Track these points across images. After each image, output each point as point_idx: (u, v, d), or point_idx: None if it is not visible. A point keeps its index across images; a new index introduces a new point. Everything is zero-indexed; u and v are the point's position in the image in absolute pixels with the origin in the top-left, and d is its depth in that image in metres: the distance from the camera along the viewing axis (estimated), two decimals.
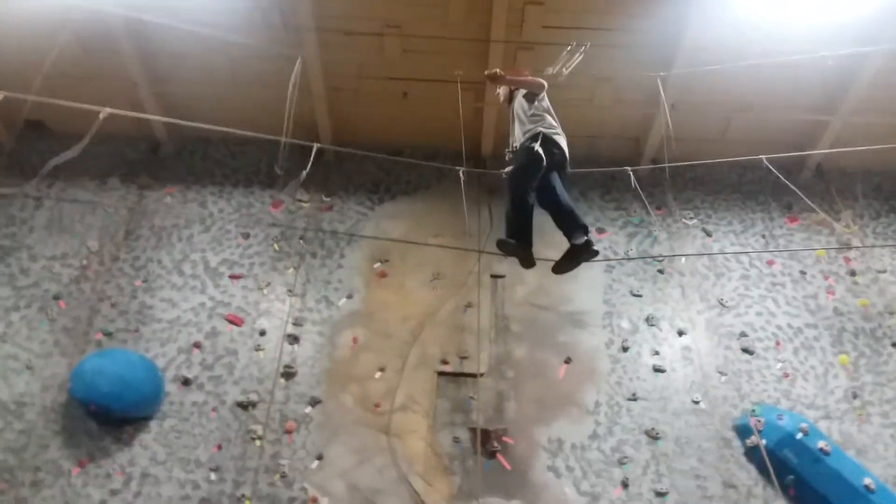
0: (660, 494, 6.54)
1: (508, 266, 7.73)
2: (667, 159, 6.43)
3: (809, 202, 6.67)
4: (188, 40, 6.95)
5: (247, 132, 6.55)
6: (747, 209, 8.40)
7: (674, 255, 7.90)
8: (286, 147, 6.28)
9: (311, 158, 6.02)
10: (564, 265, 5.02)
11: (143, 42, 7.62)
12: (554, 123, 5.19)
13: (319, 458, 6.62)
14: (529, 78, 5.32)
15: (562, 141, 5.13)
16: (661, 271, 7.86)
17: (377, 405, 6.90)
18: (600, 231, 8.15)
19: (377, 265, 7.78)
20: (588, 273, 7.78)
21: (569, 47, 5.84)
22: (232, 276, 7.65)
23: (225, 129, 6.48)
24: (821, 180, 8.61)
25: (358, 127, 8.41)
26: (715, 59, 6.88)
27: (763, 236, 8.17)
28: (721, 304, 7.66)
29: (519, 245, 4.99)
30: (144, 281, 7.56)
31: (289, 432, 6.75)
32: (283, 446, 6.68)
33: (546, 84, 5.29)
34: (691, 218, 8.30)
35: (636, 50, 7.37)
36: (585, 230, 4.90)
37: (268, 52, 7.06)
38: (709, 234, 8.18)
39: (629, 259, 7.91)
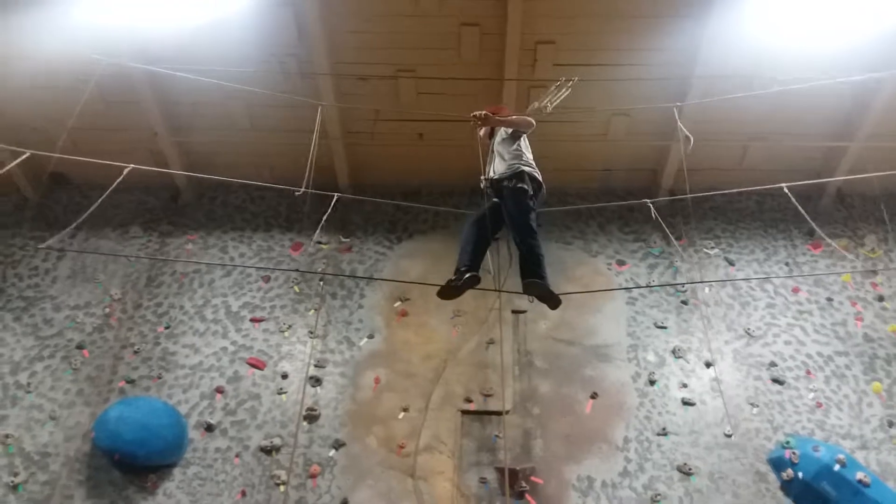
0: None
1: (529, 302, 7.70)
2: (687, 195, 6.40)
3: (821, 233, 6.54)
4: (207, 90, 7.09)
5: (266, 183, 6.67)
6: (769, 237, 8.32)
7: (691, 282, 7.80)
8: (308, 194, 6.35)
9: (331, 207, 6.06)
10: (449, 291, 5.01)
11: (163, 93, 7.80)
12: (531, 159, 5.33)
13: (344, 502, 6.50)
14: (517, 117, 5.42)
15: (537, 174, 5.24)
16: (684, 302, 7.77)
17: (401, 446, 6.81)
18: (620, 263, 8.10)
19: (398, 304, 7.75)
20: (611, 305, 7.72)
21: (557, 82, 5.87)
22: (253, 320, 7.65)
23: (245, 181, 6.61)
24: (842, 206, 8.53)
25: (375, 168, 8.50)
26: (728, 89, 6.90)
27: (787, 264, 8.07)
28: (748, 333, 7.53)
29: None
30: (167, 327, 7.59)
31: (313, 476, 6.65)
32: (308, 491, 6.58)
33: (534, 123, 5.40)
34: (712, 248, 8.22)
35: (648, 84, 7.42)
36: (476, 262, 5.04)
37: (285, 100, 7.18)
38: (731, 264, 8.09)
39: (649, 287, 7.82)
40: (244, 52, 7.27)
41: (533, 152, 7.85)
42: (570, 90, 5.84)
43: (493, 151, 5.48)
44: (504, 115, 5.46)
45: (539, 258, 4.92)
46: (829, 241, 7.02)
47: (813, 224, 6.21)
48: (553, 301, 4.94)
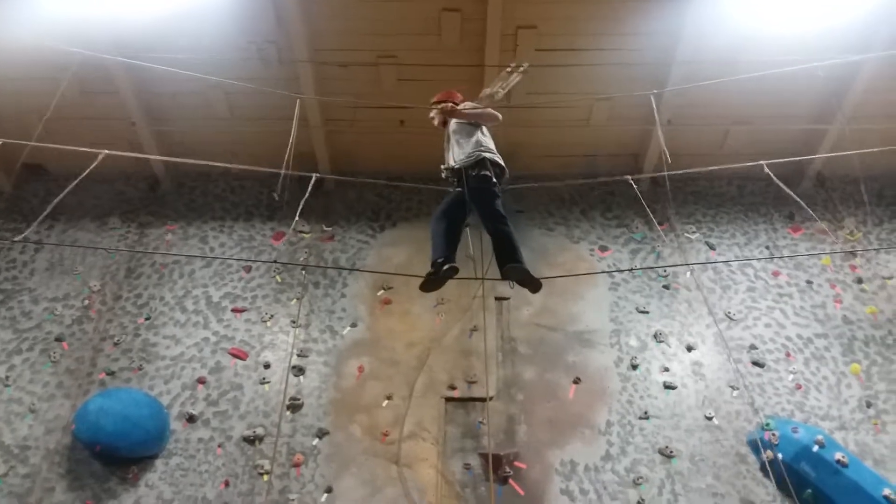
0: None
1: (510, 287, 7.67)
2: (666, 173, 6.40)
3: (805, 206, 6.52)
4: (185, 80, 6.99)
5: (245, 166, 6.59)
6: (750, 221, 8.38)
7: (673, 265, 7.85)
8: (287, 179, 6.29)
9: (310, 188, 6.02)
10: (430, 284, 4.97)
11: (140, 83, 7.70)
12: (492, 146, 5.26)
13: (329, 490, 6.50)
14: (485, 112, 5.37)
15: (499, 160, 5.18)
16: (666, 287, 7.81)
17: (386, 434, 6.81)
18: (603, 249, 8.12)
19: (380, 293, 7.73)
20: (594, 291, 7.75)
21: (508, 67, 5.84)
22: (235, 310, 7.60)
23: (223, 164, 6.53)
24: (822, 189, 8.60)
25: (356, 156, 8.45)
26: (709, 73, 6.89)
27: (767, 247, 8.13)
28: (729, 317, 7.59)
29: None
30: (147, 318, 7.52)
31: (297, 466, 6.64)
32: (292, 480, 6.57)
33: (500, 117, 5.37)
34: (694, 232, 8.27)
35: (630, 68, 7.43)
36: (451, 252, 4.97)
37: (265, 88, 7.10)
38: (712, 248, 8.14)
39: (632, 271, 7.86)
40: (222, 39, 7.20)
41: (515, 139, 7.89)
42: (522, 76, 5.82)
43: (448, 139, 5.40)
44: (457, 102, 5.44)
45: (513, 242, 4.89)
46: (811, 212, 6.82)
47: (796, 197, 6.15)
48: (534, 284, 4.92)
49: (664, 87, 7.21)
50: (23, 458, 6.64)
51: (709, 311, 7.32)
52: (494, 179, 5.02)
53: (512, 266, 4.82)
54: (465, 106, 5.47)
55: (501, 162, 5.17)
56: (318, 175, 6.16)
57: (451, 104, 5.42)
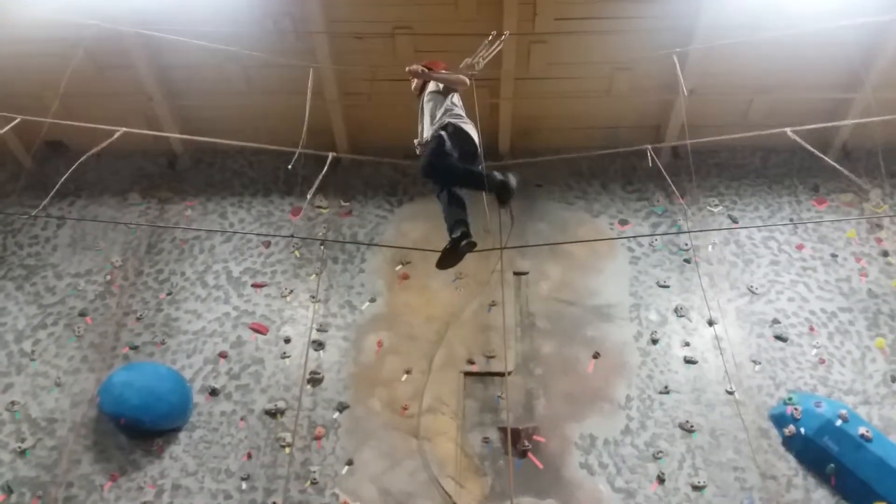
0: (697, 488, 6.39)
1: (531, 262, 7.66)
2: (688, 141, 6.27)
3: (839, 167, 6.25)
4: (201, 53, 6.97)
5: (262, 145, 6.59)
6: (773, 193, 8.22)
7: (690, 231, 7.74)
8: (302, 158, 6.28)
9: (326, 167, 5.99)
10: (447, 260, 4.96)
11: (156, 57, 7.68)
12: (462, 115, 5.14)
13: (349, 463, 6.57)
14: (453, 76, 5.28)
15: (470, 129, 5.07)
16: (687, 261, 7.71)
17: (405, 408, 6.85)
18: (623, 223, 8.03)
19: (399, 267, 7.73)
20: (613, 265, 7.68)
21: (488, 38, 5.74)
22: (255, 285, 7.65)
23: (240, 143, 6.56)
24: (847, 160, 8.39)
25: (373, 129, 8.38)
26: (732, 38, 6.74)
27: (791, 220, 7.99)
28: (751, 291, 7.49)
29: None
30: (169, 294, 7.59)
31: (318, 438, 6.71)
32: (313, 453, 6.65)
33: (468, 82, 5.27)
34: (716, 205, 8.14)
35: (651, 35, 7.24)
36: (464, 224, 4.91)
37: (280, 60, 7.05)
38: (735, 221, 8.01)
39: (651, 238, 7.77)
40: (239, 13, 7.12)
41: (534, 112, 7.76)
42: (501, 45, 5.73)
43: (421, 110, 5.31)
44: (438, 70, 5.33)
45: (468, 181, 4.90)
46: (842, 170, 6.23)
47: (826, 158, 5.90)
48: (507, 191, 4.85)
49: (686, 54, 7.05)
50: (49, 430, 6.78)
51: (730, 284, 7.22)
52: (447, 139, 4.86)
53: (498, 191, 4.82)
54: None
55: (470, 131, 5.03)
56: (334, 154, 6.12)
57: (417, 66, 5.32)
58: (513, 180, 4.86)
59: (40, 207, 5.60)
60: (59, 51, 7.21)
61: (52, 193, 5.76)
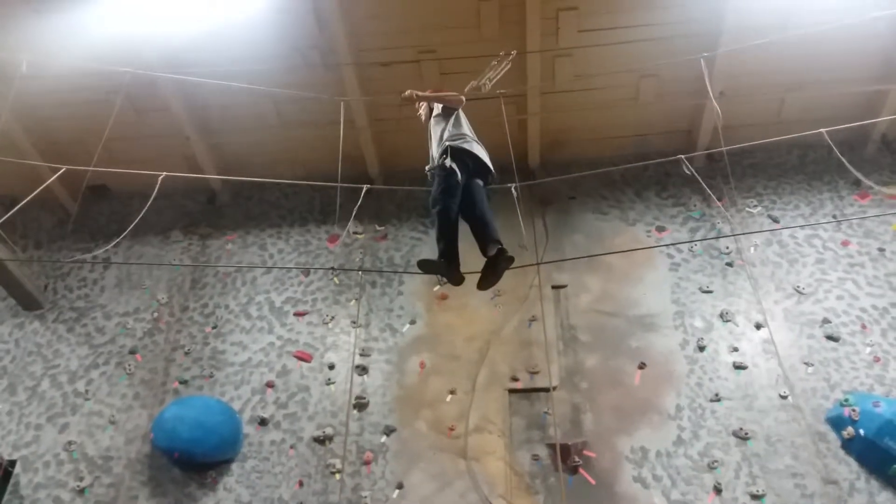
0: (756, 497, 6.22)
1: (569, 275, 7.61)
2: (723, 148, 6.18)
3: (861, 177, 6.19)
4: (234, 90, 7.16)
5: (300, 181, 6.74)
6: (814, 191, 8.05)
7: (732, 235, 7.60)
8: (341, 192, 6.40)
9: (360, 199, 6.04)
10: (487, 280, 4.91)
11: (191, 98, 7.91)
12: (467, 133, 5.11)
13: (400, 486, 6.57)
14: (447, 94, 5.29)
15: (476, 149, 5.02)
16: (729, 264, 7.58)
17: (451, 428, 6.83)
18: (660, 230, 7.94)
19: (437, 288, 7.74)
20: (653, 274, 7.59)
21: (495, 59, 5.76)
22: (297, 314, 7.75)
23: (280, 181, 6.80)
24: (887, 152, 8.20)
25: (404, 152, 8.44)
26: (760, 39, 6.66)
27: (834, 216, 7.80)
28: (798, 291, 7.32)
29: (444, 263, 4.88)
30: (214, 327, 7.74)
31: (367, 463, 6.73)
32: (363, 478, 6.66)
33: (464, 99, 5.26)
34: (755, 206, 8.00)
35: (676, 41, 7.22)
36: (498, 242, 4.83)
37: (311, 94, 7.20)
38: (776, 221, 7.85)
39: (690, 244, 7.65)
40: (267, 49, 7.32)
41: (563, 125, 7.74)
42: (509, 65, 5.73)
43: (430, 135, 5.32)
44: (435, 92, 5.35)
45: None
46: (856, 172, 6.31)
47: (850, 167, 5.90)
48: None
49: (713, 57, 6.99)
50: (106, 468, 6.93)
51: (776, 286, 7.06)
52: (451, 165, 4.83)
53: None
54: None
55: (477, 152, 5.01)
56: (368, 186, 6.17)
57: (410, 92, 5.35)
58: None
59: (93, 255, 5.80)
60: (96, 98, 7.47)
61: (113, 243, 6.14)
